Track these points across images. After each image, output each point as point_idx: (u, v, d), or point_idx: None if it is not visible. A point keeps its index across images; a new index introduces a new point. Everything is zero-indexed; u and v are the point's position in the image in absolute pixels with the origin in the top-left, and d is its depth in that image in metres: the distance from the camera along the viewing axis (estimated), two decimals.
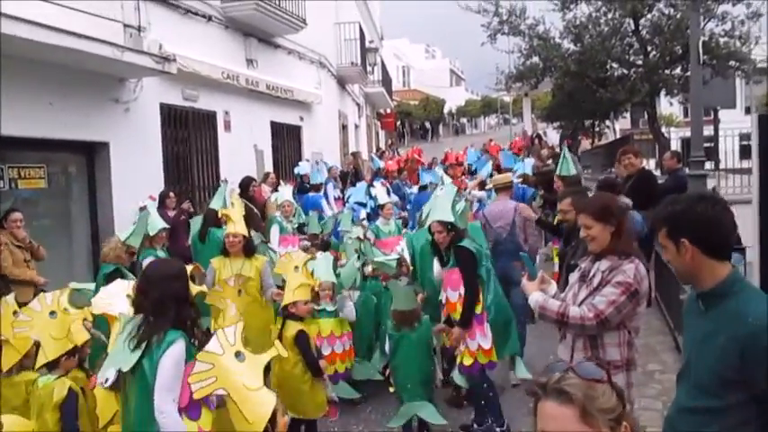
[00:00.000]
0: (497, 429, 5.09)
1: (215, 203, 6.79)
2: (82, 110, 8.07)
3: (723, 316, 2.27)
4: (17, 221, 6.57)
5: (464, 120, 67.88)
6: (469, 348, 4.97)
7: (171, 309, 3.13)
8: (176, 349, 3.01)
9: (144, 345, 3.04)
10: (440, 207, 5.15)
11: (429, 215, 5.32)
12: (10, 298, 3.86)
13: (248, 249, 5.86)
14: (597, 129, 27.65)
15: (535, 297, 3.37)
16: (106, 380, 3.14)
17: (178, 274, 3.33)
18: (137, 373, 3.03)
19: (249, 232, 6.14)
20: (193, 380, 2.56)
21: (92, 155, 8.68)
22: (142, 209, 6.91)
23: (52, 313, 3.64)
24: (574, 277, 3.51)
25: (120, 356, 3.04)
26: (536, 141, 25.02)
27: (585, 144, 25.52)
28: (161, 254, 6.42)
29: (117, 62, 7.70)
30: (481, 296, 5.04)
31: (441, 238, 5.11)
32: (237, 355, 2.60)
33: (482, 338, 4.99)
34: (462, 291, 4.97)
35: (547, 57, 15.96)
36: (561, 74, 16.24)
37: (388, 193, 9.69)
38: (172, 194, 8.77)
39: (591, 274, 3.35)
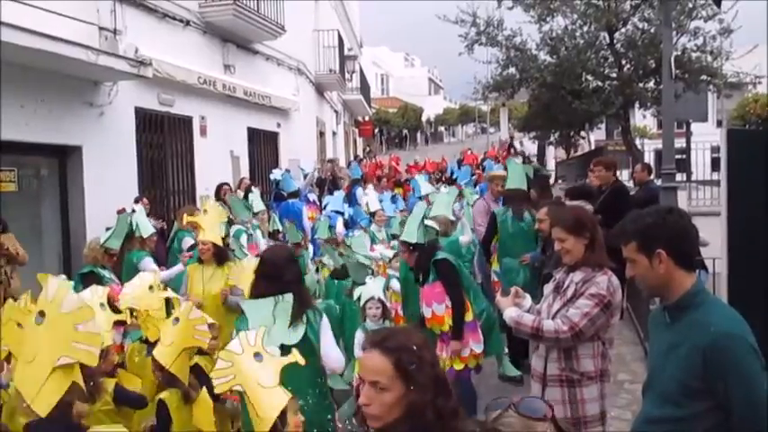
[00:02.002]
0: None
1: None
2: (55, 113, 7.96)
3: (687, 327, 2.32)
4: None
5: (442, 128, 68.24)
6: (461, 355, 5.03)
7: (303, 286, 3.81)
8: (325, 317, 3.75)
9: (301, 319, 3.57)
10: (406, 227, 5.26)
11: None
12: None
13: (219, 257, 5.80)
14: (572, 140, 27.98)
15: (509, 313, 3.38)
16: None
17: (294, 258, 3.96)
18: (305, 343, 3.52)
19: (224, 239, 6.11)
20: (215, 375, 2.67)
21: (64, 159, 8.56)
22: (120, 212, 6.86)
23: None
24: (548, 288, 3.55)
25: (278, 335, 3.42)
26: (512, 150, 25.28)
27: (560, 154, 25.83)
28: (149, 257, 6.50)
29: (91, 65, 7.61)
30: (468, 304, 5.11)
31: (405, 258, 5.32)
32: (256, 355, 2.71)
33: (475, 344, 5.10)
34: (448, 302, 5.00)
35: (523, 68, 16.10)
36: (537, 85, 16.37)
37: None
38: (146, 200, 8.68)
39: (565, 285, 3.38)
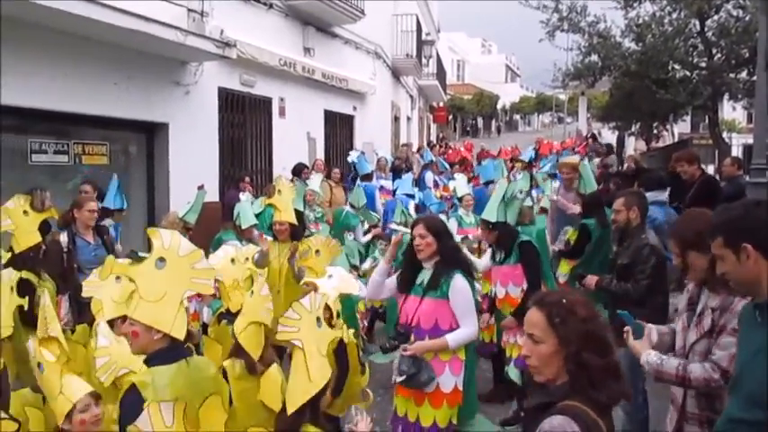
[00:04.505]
0: None
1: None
2: (144, 91, 8.34)
3: None
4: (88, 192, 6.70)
5: (517, 116, 67.10)
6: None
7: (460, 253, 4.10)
8: (461, 280, 3.80)
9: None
10: (488, 205, 5.21)
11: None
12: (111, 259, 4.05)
13: (294, 236, 5.95)
14: (655, 131, 26.97)
15: (648, 358, 2.99)
16: None
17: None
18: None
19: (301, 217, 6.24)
20: (282, 322, 2.78)
21: (151, 135, 8.97)
22: (199, 188, 7.11)
23: (118, 278, 3.79)
24: (681, 303, 3.22)
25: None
26: (590, 141, 24.60)
27: (641, 146, 24.95)
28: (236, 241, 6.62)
29: (180, 46, 7.92)
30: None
31: (484, 236, 5.33)
32: (317, 320, 2.82)
33: None
34: (525, 286, 4.99)
35: (606, 55, 15.62)
36: (620, 73, 15.88)
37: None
38: (247, 179, 9.04)
39: (699, 307, 3.03)
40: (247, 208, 6.76)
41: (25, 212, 4.77)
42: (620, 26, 15.59)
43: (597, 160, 15.00)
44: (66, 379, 2.72)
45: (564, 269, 6.65)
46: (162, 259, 2.56)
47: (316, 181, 8.94)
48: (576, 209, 6.90)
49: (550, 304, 2.06)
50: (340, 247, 5.78)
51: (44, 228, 5.23)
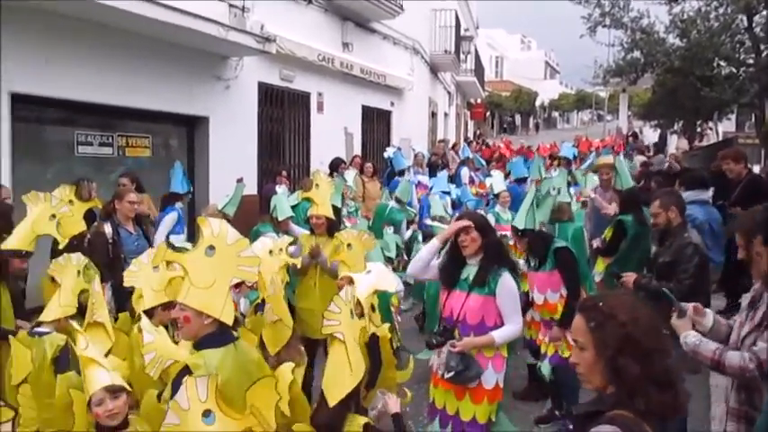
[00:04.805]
0: (572, 426, 5.04)
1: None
2: (186, 85, 8.49)
3: None
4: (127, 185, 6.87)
5: (556, 114, 66.27)
6: (569, 342, 4.95)
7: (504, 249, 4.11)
8: (509, 278, 3.79)
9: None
10: (519, 213, 5.15)
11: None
12: (156, 249, 4.19)
13: (330, 229, 5.98)
14: (698, 130, 26.36)
15: (689, 339, 3.00)
16: None
17: None
18: None
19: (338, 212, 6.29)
20: (326, 316, 2.91)
21: (192, 128, 9.13)
22: (238, 180, 7.24)
23: (155, 268, 3.88)
24: (745, 300, 3.15)
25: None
26: (630, 140, 24.19)
27: (683, 145, 24.40)
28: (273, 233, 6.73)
29: (221, 41, 8.04)
30: (584, 294, 4.99)
31: (516, 242, 5.31)
32: (351, 312, 2.92)
33: None
34: (563, 291, 4.93)
35: (649, 52, 15.34)
36: (663, 70, 15.59)
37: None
38: (284, 173, 9.20)
39: (758, 303, 2.98)
40: (283, 200, 6.84)
41: (71, 202, 4.91)
42: (663, 22, 15.31)
43: (638, 158, 14.74)
44: (89, 371, 2.76)
45: (599, 267, 6.57)
46: (211, 247, 2.64)
47: (350, 176, 9.01)
48: (612, 209, 6.82)
49: (588, 309, 2.01)
50: (375, 241, 5.81)
51: (89, 217, 5.39)
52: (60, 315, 3.64)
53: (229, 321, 2.70)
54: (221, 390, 2.44)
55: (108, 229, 5.61)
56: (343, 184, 8.06)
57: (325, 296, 5.44)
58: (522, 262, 5.53)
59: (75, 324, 3.00)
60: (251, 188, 9.38)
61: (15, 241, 4.38)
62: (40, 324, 3.67)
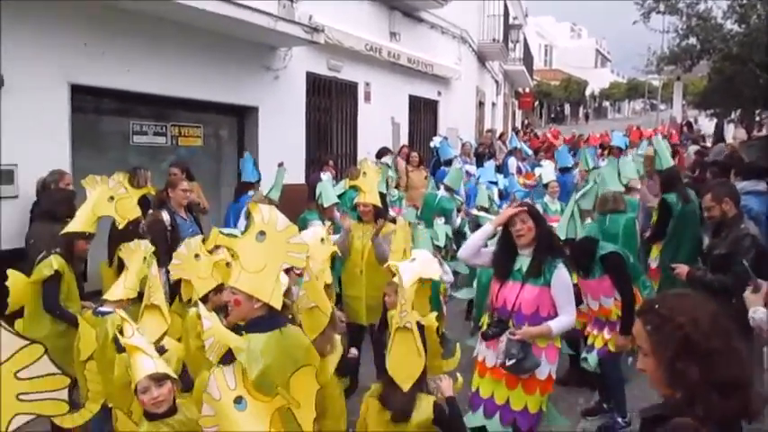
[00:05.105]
0: (619, 420, 4.98)
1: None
2: (236, 76, 8.63)
3: None
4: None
5: (606, 103, 64.82)
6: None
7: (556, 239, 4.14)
8: (564, 270, 3.85)
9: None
10: (560, 222, 4.99)
11: None
12: (194, 240, 4.35)
13: (378, 217, 6.01)
14: (757, 119, 25.41)
15: (758, 314, 3.00)
16: None
17: None
18: None
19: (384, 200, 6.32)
20: (399, 309, 3.12)
21: (242, 118, 9.28)
22: (280, 165, 7.38)
23: (196, 256, 4.00)
24: None
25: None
26: (685, 129, 23.50)
27: (740, 134, 23.56)
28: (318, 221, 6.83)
29: (270, 31, 8.14)
30: (638, 294, 4.88)
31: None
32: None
33: None
34: (617, 295, 4.81)
35: (705, 38, 14.87)
36: (720, 57, 15.07)
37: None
38: (331, 162, 9.34)
39: None
40: (329, 187, 6.96)
41: (125, 189, 5.08)
42: (721, 7, 14.80)
43: (692, 148, 14.33)
44: (134, 359, 2.82)
45: (654, 254, 6.46)
46: (262, 233, 2.70)
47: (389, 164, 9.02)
48: (655, 201, 6.71)
49: (645, 312, 1.93)
50: (424, 230, 5.84)
51: (143, 203, 5.56)
52: (123, 297, 3.80)
53: (278, 305, 2.76)
54: (264, 374, 2.50)
55: (166, 216, 5.79)
56: (387, 172, 8.11)
57: (370, 284, 5.50)
58: None
59: (122, 313, 3.08)
60: (299, 177, 9.50)
61: (79, 224, 4.58)
62: (103, 303, 3.83)
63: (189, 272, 4.00)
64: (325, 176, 7.58)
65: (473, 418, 3.93)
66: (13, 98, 5.95)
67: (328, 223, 5.28)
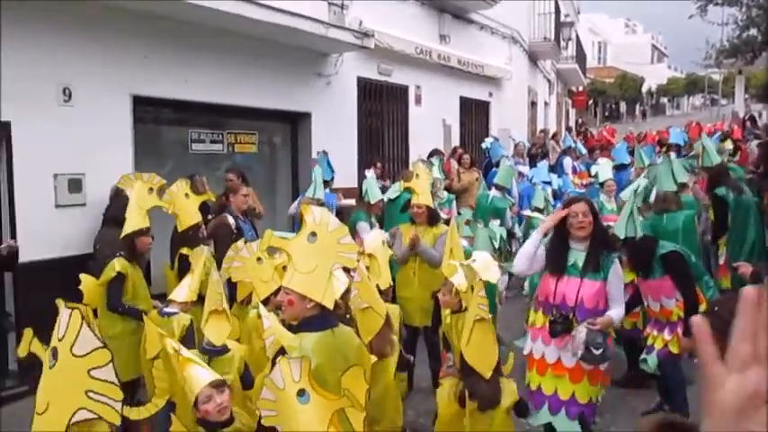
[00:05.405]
0: None
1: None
2: (289, 83, 8.80)
3: None
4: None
5: (664, 99, 63.04)
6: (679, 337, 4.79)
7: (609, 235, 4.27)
8: (618, 264, 4.00)
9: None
10: (618, 221, 4.94)
11: None
12: (240, 244, 4.53)
13: (431, 218, 6.04)
14: None
15: None
16: None
17: None
18: None
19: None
20: (478, 302, 3.34)
21: (296, 125, 9.45)
22: (312, 164, 7.59)
23: (259, 259, 4.11)
24: None
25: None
26: (748, 124, 22.66)
27: None
28: (365, 222, 6.92)
29: (322, 38, 8.27)
30: (701, 296, 4.75)
31: (623, 252, 4.84)
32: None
33: None
34: (678, 296, 4.69)
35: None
36: None
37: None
38: (378, 164, 9.45)
39: None
40: (373, 184, 7.16)
41: (186, 195, 5.27)
42: None
43: (753, 143, 13.83)
44: (189, 371, 2.86)
45: (721, 249, 6.31)
46: (313, 234, 2.77)
47: (435, 167, 9.00)
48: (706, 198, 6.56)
49: (708, 316, 1.89)
50: (483, 229, 5.88)
51: (203, 209, 5.75)
52: (188, 299, 3.95)
53: (330, 305, 2.82)
54: (316, 372, 2.53)
55: (231, 219, 5.99)
56: (433, 171, 8.20)
57: (424, 285, 5.54)
58: None
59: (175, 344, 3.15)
60: (352, 181, 9.61)
61: (132, 223, 4.79)
62: (169, 304, 3.99)
63: (251, 274, 4.12)
64: (370, 174, 7.71)
65: (539, 416, 3.95)
66: (81, 110, 6.24)
67: (376, 226, 5.37)
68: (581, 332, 3.80)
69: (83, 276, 4.60)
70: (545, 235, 4.06)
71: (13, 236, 5.54)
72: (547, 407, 3.91)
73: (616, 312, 3.93)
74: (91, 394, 2.43)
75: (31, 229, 5.27)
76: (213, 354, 3.44)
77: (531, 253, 4.04)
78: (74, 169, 6.20)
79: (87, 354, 2.40)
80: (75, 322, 2.36)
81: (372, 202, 6.96)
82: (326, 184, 7.88)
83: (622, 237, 4.76)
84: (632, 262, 4.90)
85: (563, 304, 3.89)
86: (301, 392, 2.36)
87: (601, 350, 3.77)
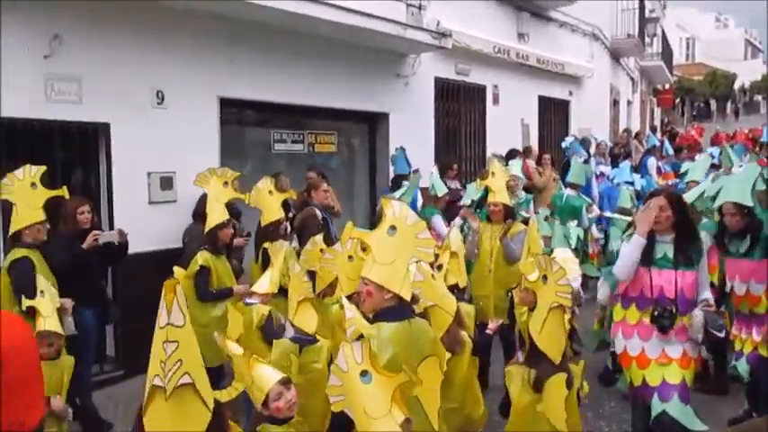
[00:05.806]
0: None
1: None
2: (367, 83, 8.97)
3: None
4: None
5: (759, 97, 59.72)
6: None
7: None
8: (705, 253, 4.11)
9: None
10: (737, 187, 4.54)
11: (720, 194, 4.63)
12: (318, 238, 4.77)
13: (507, 216, 6.03)
14: None
15: None
16: None
17: None
18: None
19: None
20: (559, 289, 3.33)
21: (374, 125, 9.61)
22: (415, 172, 7.65)
23: (350, 257, 4.23)
24: None
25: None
26: None
27: None
28: (439, 215, 7.12)
29: (400, 39, 8.39)
30: None
31: (733, 222, 4.55)
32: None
33: None
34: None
35: None
36: None
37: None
38: (455, 166, 9.45)
39: None
40: (438, 178, 7.41)
41: (270, 192, 5.51)
42: None
43: None
44: (257, 370, 2.90)
45: None
46: (393, 227, 2.86)
47: (516, 166, 8.91)
48: None
49: None
50: (559, 226, 5.84)
51: (285, 206, 5.97)
52: (269, 290, 4.14)
53: (407, 297, 2.90)
54: (392, 360, 2.64)
55: (318, 212, 6.24)
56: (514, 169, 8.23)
57: (499, 283, 5.54)
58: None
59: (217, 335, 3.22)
60: (428, 182, 9.66)
61: (213, 218, 5.09)
62: (251, 295, 4.20)
63: (339, 270, 4.24)
64: (434, 169, 8.04)
65: (654, 407, 3.89)
66: (172, 112, 6.59)
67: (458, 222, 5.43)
68: (698, 316, 3.87)
69: (176, 269, 4.89)
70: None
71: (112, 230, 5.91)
72: (657, 396, 3.88)
73: (709, 294, 4.06)
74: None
75: (128, 224, 5.59)
76: (304, 343, 3.58)
77: (635, 259, 3.95)
78: (166, 168, 6.55)
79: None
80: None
81: (439, 196, 7.23)
82: (405, 177, 8.06)
83: (750, 205, 4.47)
84: (743, 232, 4.57)
85: (661, 297, 3.90)
86: (364, 373, 2.43)
87: (723, 332, 3.92)
